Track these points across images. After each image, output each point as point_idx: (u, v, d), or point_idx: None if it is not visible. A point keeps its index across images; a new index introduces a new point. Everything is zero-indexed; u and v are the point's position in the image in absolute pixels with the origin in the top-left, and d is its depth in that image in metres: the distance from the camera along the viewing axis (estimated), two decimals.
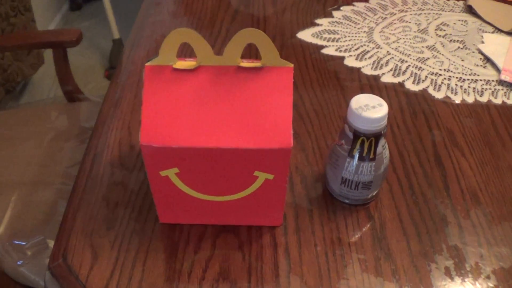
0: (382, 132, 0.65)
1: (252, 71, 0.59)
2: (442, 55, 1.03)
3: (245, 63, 0.60)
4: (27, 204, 1.10)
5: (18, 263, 1.00)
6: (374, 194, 0.72)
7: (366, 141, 0.65)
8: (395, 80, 0.96)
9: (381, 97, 0.89)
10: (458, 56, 1.03)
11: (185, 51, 0.99)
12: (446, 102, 0.91)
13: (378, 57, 1.01)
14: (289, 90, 0.59)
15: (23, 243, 1.02)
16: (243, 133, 0.57)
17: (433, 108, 0.89)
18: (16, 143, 1.27)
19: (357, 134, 0.65)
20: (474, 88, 0.95)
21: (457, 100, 0.92)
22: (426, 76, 0.97)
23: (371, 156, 0.66)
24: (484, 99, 0.92)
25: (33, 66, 2.28)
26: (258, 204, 0.65)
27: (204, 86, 0.59)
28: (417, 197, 0.75)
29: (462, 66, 1.00)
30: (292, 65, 0.60)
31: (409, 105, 0.89)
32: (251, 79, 0.59)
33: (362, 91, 0.92)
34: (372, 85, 0.93)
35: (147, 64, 0.59)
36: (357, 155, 0.66)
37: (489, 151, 0.82)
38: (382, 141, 0.67)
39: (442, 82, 0.95)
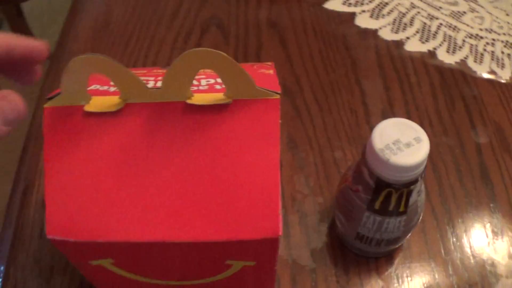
0: (420, 178, 0.43)
1: (212, 110, 0.37)
2: (482, 7, 0.78)
3: (200, 97, 0.37)
4: None
5: None
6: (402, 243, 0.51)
7: (394, 192, 0.43)
8: (424, 47, 0.72)
9: (406, 75, 0.66)
10: (502, 9, 0.78)
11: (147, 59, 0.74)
12: (491, 80, 0.68)
13: (400, 12, 0.76)
14: (274, 140, 0.37)
15: None
16: (202, 216, 0.36)
17: (476, 91, 0.66)
18: None
19: (381, 184, 0.43)
20: None
21: (505, 76, 0.69)
22: (464, 40, 0.73)
23: (401, 209, 0.45)
24: None
25: None
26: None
27: (136, 138, 0.37)
28: (458, 238, 0.54)
29: (508, 24, 0.76)
30: (278, 96, 0.37)
31: (443, 88, 0.66)
32: (211, 124, 0.37)
33: (381, 68, 0.68)
34: (394, 57, 0.70)
35: (47, 105, 0.37)
36: (380, 209, 0.45)
37: None
38: (418, 186, 0.45)
39: (485, 49, 0.72)
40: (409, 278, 0.51)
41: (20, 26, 1.24)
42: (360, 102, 0.64)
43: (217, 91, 0.38)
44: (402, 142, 0.42)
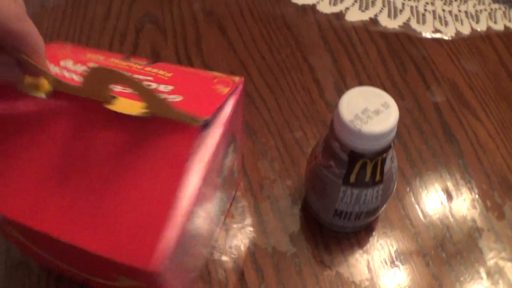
0: (392, 144, 0.42)
1: (128, 121, 0.35)
2: None
3: (121, 102, 0.35)
4: None
5: None
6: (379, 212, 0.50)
7: (369, 162, 0.42)
8: (365, 16, 0.71)
9: (352, 45, 0.65)
10: None
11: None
12: (438, 39, 0.68)
13: None
14: (179, 169, 0.35)
15: None
16: (91, 223, 0.34)
17: (424, 52, 0.66)
18: None
19: (355, 156, 0.42)
20: (466, 12, 0.71)
21: (450, 32, 0.68)
22: (403, 4, 0.72)
23: (377, 178, 0.44)
24: (482, 26, 0.69)
25: None
26: None
27: (56, 134, 0.36)
28: (433, 198, 0.53)
29: None
30: (197, 124, 0.35)
31: (392, 53, 0.66)
32: (124, 136, 0.36)
33: (326, 42, 0.67)
34: (337, 29, 0.69)
35: None
36: (356, 181, 0.44)
37: (506, 103, 0.61)
38: (391, 153, 0.44)
39: (426, 9, 0.71)
40: (391, 246, 0.50)
41: None
42: (311, 79, 0.63)
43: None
44: (370, 110, 0.40)
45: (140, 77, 0.39)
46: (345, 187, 0.44)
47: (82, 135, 0.35)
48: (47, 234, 0.34)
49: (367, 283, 0.48)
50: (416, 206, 0.53)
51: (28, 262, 0.49)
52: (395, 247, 0.50)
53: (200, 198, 0.36)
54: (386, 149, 0.41)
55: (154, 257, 0.32)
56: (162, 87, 0.38)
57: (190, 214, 0.34)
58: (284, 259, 0.49)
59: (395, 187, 0.47)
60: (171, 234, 0.33)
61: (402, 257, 0.49)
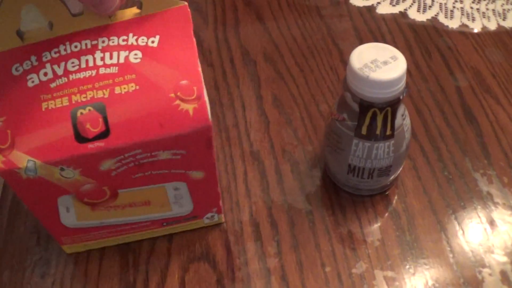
0: (401, 97, 0.44)
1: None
2: None
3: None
4: None
5: None
6: (394, 177, 0.52)
7: (379, 113, 0.45)
8: (395, 9, 0.74)
9: (381, 34, 0.68)
10: None
11: None
12: (464, 32, 0.70)
13: None
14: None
15: None
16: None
17: (450, 43, 0.68)
18: None
19: (365, 105, 0.44)
20: (493, 10, 0.73)
21: (477, 28, 0.70)
22: (433, 0, 0.75)
23: (388, 132, 0.46)
24: (509, 23, 0.71)
25: None
26: None
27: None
28: (450, 171, 0.55)
29: None
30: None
31: (418, 42, 0.68)
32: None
33: (356, 30, 0.70)
34: (367, 20, 0.72)
35: None
36: (368, 134, 0.46)
37: None
38: (402, 109, 0.46)
39: (454, 6, 0.74)
40: (406, 212, 0.52)
41: None
42: (339, 60, 0.66)
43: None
44: (379, 61, 0.43)
45: None
46: (357, 139, 0.46)
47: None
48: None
49: (377, 243, 0.50)
50: (433, 178, 0.54)
51: None
52: (409, 214, 0.51)
53: None
54: (395, 101, 0.44)
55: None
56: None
57: None
58: (299, 215, 0.52)
59: (407, 149, 0.49)
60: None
61: (414, 221, 0.51)
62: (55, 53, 0.39)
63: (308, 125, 0.59)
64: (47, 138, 0.37)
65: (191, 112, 0.38)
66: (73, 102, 0.37)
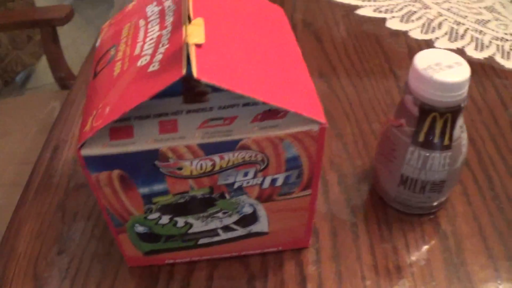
0: (462, 104, 0.43)
1: None
2: (505, 17, 0.79)
3: None
4: (4, 209, 0.90)
5: None
6: (444, 199, 0.49)
7: (439, 118, 0.43)
8: (453, 45, 0.73)
9: None
10: None
11: None
12: None
13: (428, 18, 0.78)
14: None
15: None
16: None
17: (505, 80, 0.66)
18: None
19: (426, 109, 0.43)
20: None
21: None
22: (490, 41, 0.73)
23: (446, 142, 0.44)
24: None
25: (34, 55, 2.08)
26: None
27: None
28: (501, 200, 0.52)
29: None
30: None
31: (475, 77, 0.66)
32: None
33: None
34: None
35: None
36: (425, 141, 0.44)
37: None
38: (460, 121, 0.44)
39: (511, 48, 0.72)
40: (454, 235, 0.49)
41: (55, 52, 1.27)
42: (394, 85, 0.64)
43: None
44: (443, 64, 0.42)
45: None
46: (414, 147, 0.45)
47: None
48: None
49: (423, 263, 0.47)
50: (483, 205, 0.52)
51: None
52: (458, 236, 0.49)
53: None
54: (456, 108, 0.42)
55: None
56: None
57: None
58: (343, 226, 0.50)
59: (462, 166, 0.47)
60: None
61: (462, 245, 0.48)
62: None
63: (359, 141, 0.57)
64: None
65: None
66: None
